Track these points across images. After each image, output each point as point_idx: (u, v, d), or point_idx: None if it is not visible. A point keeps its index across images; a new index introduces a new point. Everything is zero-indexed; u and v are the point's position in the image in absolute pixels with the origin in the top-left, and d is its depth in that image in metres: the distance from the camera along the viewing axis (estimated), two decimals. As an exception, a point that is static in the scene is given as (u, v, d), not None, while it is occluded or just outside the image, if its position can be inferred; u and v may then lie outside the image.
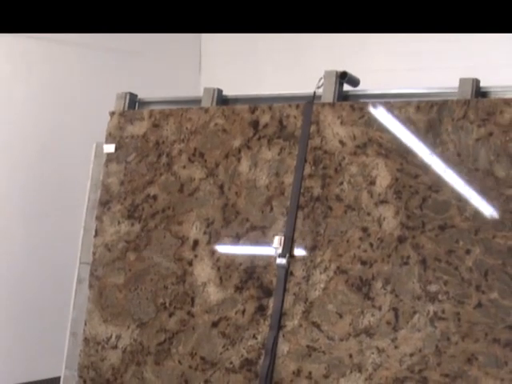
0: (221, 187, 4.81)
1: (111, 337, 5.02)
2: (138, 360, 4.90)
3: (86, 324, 5.12)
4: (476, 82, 4.23)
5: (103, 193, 5.21)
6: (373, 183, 4.33)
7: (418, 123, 4.28)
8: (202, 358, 4.68)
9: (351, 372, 4.22)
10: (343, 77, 4.58)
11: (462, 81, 4.25)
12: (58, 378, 5.42)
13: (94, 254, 5.19)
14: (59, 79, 6.15)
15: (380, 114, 4.40)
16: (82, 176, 5.53)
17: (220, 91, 5.04)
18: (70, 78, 6.22)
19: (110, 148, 5.25)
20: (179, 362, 4.75)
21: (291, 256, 4.49)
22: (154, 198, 5.01)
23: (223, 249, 4.73)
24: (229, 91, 5.04)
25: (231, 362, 4.59)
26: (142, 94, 5.36)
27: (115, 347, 5.00)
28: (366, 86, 4.69)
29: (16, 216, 6.05)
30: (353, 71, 4.67)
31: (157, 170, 5.05)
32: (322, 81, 4.63)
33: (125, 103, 5.30)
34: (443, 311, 4.03)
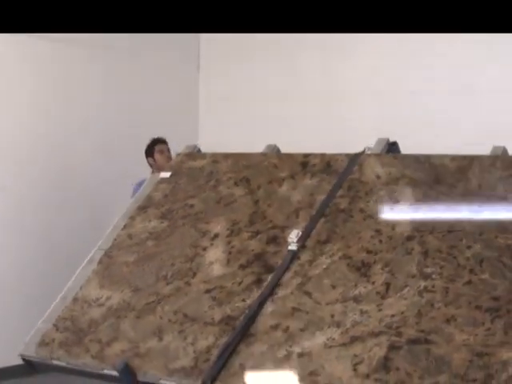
0: (256, 201, 4.98)
1: (101, 297, 4.83)
2: (119, 315, 4.67)
3: (81, 288, 4.96)
4: (505, 149, 4.60)
5: (145, 201, 5.35)
6: (396, 202, 4.53)
7: (450, 167, 4.59)
8: (185, 315, 4.48)
9: (329, 327, 4.05)
10: (392, 145, 4.96)
11: (495, 148, 4.63)
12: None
13: (114, 240, 5.18)
14: (66, 77, 6.24)
15: (419, 160, 4.73)
16: (87, 171, 5.54)
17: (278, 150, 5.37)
18: (75, 76, 6.31)
19: (166, 174, 5.50)
20: (160, 317, 4.54)
21: (303, 246, 4.53)
22: (191, 206, 5.15)
23: (240, 239, 4.77)
24: (226, 89, 5.22)
25: (212, 318, 4.39)
26: (143, 91, 5.57)
27: (102, 305, 4.79)
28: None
29: (34, 212, 5.94)
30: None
31: (201, 189, 5.25)
32: (372, 146, 5.00)
33: (193, 150, 5.65)
34: (433, 286, 4.00)
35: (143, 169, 5.88)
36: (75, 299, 4.91)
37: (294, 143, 5.32)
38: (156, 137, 6.03)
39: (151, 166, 6.08)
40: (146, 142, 6.35)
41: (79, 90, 6.29)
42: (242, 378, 4.02)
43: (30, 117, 6.01)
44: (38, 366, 4.82)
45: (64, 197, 6.14)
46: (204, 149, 6.16)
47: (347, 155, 4.98)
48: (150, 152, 5.97)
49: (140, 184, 5.94)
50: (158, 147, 5.96)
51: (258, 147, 6.60)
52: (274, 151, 5.37)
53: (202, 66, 7.11)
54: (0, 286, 5.61)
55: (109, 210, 6.06)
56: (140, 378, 4.33)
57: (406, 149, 4.91)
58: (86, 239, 5.53)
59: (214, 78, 5.68)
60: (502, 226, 4.14)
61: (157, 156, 5.95)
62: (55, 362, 4.68)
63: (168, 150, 6.03)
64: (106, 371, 4.45)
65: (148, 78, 6.64)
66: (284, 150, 6.45)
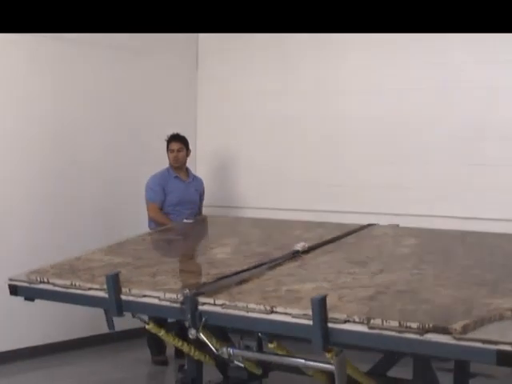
0: (269, 236, 5.03)
1: (102, 260, 4.71)
2: (118, 267, 4.49)
3: (84, 254, 4.84)
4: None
5: (164, 227, 5.42)
6: (400, 242, 4.60)
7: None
8: (182, 270, 4.45)
9: (320, 282, 3.94)
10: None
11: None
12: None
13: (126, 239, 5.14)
14: (73, 75, 6.05)
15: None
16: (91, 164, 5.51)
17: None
18: (81, 74, 6.12)
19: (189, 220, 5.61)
20: (157, 269, 4.38)
21: (307, 251, 4.49)
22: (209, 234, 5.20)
23: (248, 246, 4.74)
24: (223, 86, 5.13)
25: (208, 273, 4.26)
26: (146, 88, 5.78)
27: (101, 261, 4.67)
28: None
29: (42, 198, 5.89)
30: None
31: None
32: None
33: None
34: (425, 271, 3.98)
35: (145, 159, 5.99)
36: (77, 258, 4.80)
37: (288, 137, 5.27)
38: (174, 133, 5.96)
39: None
40: (147, 134, 6.47)
41: (86, 87, 6.21)
42: (226, 291, 3.86)
43: (41, 111, 5.98)
44: (23, 290, 4.56)
45: (72, 187, 6.06)
46: (201, 142, 6.20)
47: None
48: (167, 147, 5.96)
49: (153, 178, 5.94)
50: (170, 145, 5.91)
51: (253, 141, 6.64)
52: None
53: (200, 65, 6.96)
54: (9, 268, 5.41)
55: (116, 200, 6.07)
56: (123, 295, 4.13)
57: (393, 137, 4.87)
58: (95, 230, 5.48)
59: (211, 76, 5.61)
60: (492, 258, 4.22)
61: (168, 153, 5.92)
62: (42, 287, 4.47)
63: (179, 149, 5.92)
64: (92, 291, 4.25)
65: (150, 76, 6.57)
66: (279, 143, 6.42)
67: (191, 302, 3.84)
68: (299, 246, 4.56)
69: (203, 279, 4.14)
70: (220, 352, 4.09)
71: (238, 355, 4.12)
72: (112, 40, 6.04)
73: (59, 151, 6.01)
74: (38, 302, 4.62)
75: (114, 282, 4.14)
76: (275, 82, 6.45)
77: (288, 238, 4.89)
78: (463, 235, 4.73)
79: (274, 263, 4.30)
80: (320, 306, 3.47)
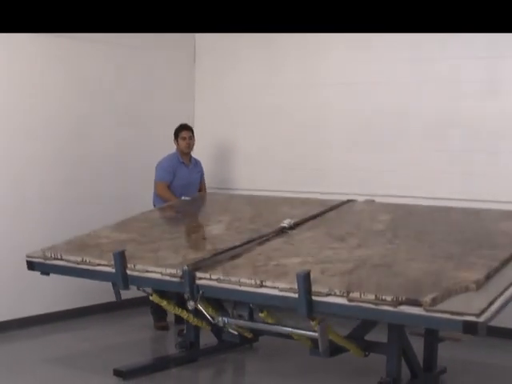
0: (257, 209, 4.98)
1: (109, 236, 4.65)
2: (124, 244, 4.43)
3: (94, 231, 4.78)
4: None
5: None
6: (375, 217, 4.54)
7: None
8: (181, 245, 4.32)
9: (304, 256, 3.89)
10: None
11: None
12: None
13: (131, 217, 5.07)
14: (83, 71, 5.97)
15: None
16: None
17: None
18: (91, 70, 6.03)
19: (186, 198, 5.53)
20: (159, 246, 4.34)
21: (293, 227, 4.43)
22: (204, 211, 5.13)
23: (239, 222, 4.68)
24: (218, 80, 5.09)
25: (204, 247, 4.22)
26: (148, 81, 5.69)
27: (109, 238, 4.60)
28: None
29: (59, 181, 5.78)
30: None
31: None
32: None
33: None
34: (398, 245, 3.93)
35: (148, 148, 5.87)
36: (87, 234, 4.73)
37: (275, 126, 5.18)
38: (183, 123, 5.93)
39: (176, 145, 5.96)
40: (150, 124, 6.38)
41: (94, 82, 6.10)
42: (220, 267, 3.81)
43: (54, 104, 5.83)
44: (39, 266, 4.51)
45: (85, 174, 5.97)
46: (198, 131, 6.05)
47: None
48: (176, 135, 5.86)
49: (166, 160, 5.80)
50: (182, 133, 5.84)
51: (244, 129, 6.56)
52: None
53: (197, 61, 6.91)
54: (26, 246, 5.32)
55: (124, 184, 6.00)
56: (129, 271, 4.08)
57: (369, 125, 4.83)
58: (108, 209, 5.43)
59: (207, 71, 5.52)
60: (462, 227, 4.18)
61: (180, 141, 5.85)
62: (56, 263, 4.42)
63: (190, 137, 5.91)
64: (100, 267, 4.19)
65: (152, 71, 6.49)
66: (268, 131, 6.36)
67: (189, 277, 3.80)
68: (286, 223, 4.52)
69: (200, 254, 4.08)
70: (215, 321, 4.07)
71: (232, 323, 4.10)
72: (118, 38, 5.99)
73: (72, 142, 5.92)
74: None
75: (121, 259, 4.09)
76: (264, 76, 6.43)
77: (276, 214, 4.80)
78: (431, 211, 4.67)
79: (264, 239, 4.27)
80: (304, 280, 3.42)
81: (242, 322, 4.07)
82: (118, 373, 4.30)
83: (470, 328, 3.07)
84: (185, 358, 4.66)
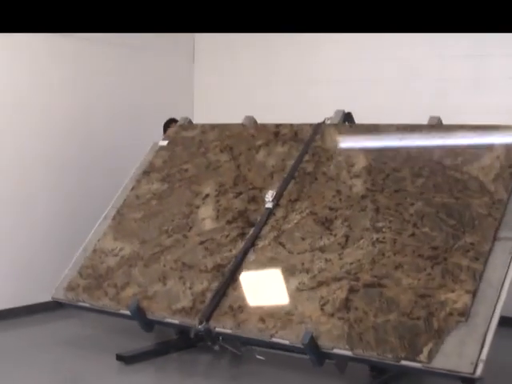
0: (238, 166, 4.81)
1: (116, 248, 4.70)
2: (131, 263, 4.55)
3: (98, 241, 4.82)
4: (439, 119, 4.43)
5: (147, 167, 5.15)
6: (352, 166, 4.37)
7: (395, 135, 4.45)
8: (184, 263, 4.36)
9: (300, 273, 3.95)
10: (347, 116, 4.79)
11: (431, 118, 4.46)
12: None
13: (124, 200, 5.03)
14: (86, 69, 5.92)
15: (369, 129, 4.56)
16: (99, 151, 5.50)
17: (255, 121, 5.18)
18: (93, 68, 5.97)
19: (164, 143, 5.30)
20: (164, 265, 4.42)
21: (277, 204, 4.39)
22: (186, 170, 4.98)
23: (226, 199, 4.63)
24: (216, 78, 5.14)
25: (205, 266, 4.28)
26: (147, 78, 5.55)
27: (116, 255, 4.66)
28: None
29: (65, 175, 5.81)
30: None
31: (193, 155, 5.06)
32: (332, 116, 4.83)
33: (185, 122, 5.45)
34: (384, 238, 3.88)
35: (148, 145, 5.66)
36: (94, 250, 4.76)
37: (270, 121, 5.09)
38: (172, 117, 5.83)
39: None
40: (150, 121, 6.22)
41: (97, 80, 6.01)
42: (231, 317, 3.94)
43: (60, 96, 5.76)
44: (67, 306, 4.71)
45: (87, 158, 5.96)
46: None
47: (311, 125, 4.81)
48: (165, 129, 5.74)
49: None
50: (171, 126, 5.73)
51: None
52: (251, 122, 5.17)
53: (196, 60, 6.89)
54: (33, 235, 5.47)
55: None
56: (149, 316, 4.25)
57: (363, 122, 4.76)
58: (106, 196, 5.42)
59: (206, 69, 5.47)
60: (438, 187, 4.01)
61: None
62: (80, 304, 4.58)
63: None
64: (121, 311, 4.36)
65: (153, 69, 6.39)
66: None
67: (207, 331, 3.94)
68: (269, 197, 4.42)
69: (205, 284, 4.14)
70: (240, 352, 4.25)
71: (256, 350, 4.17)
72: (118, 38, 5.93)
73: (73, 140, 5.85)
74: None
75: (138, 311, 4.23)
76: (260, 74, 6.33)
77: (257, 171, 4.67)
78: (406, 158, 4.23)
79: (255, 234, 4.25)
80: (310, 342, 3.56)
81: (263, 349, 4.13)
82: (120, 358, 4.43)
83: (467, 381, 3.24)
84: (185, 343, 4.67)
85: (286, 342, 3.69)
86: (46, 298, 5.05)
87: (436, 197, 3.95)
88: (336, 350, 3.54)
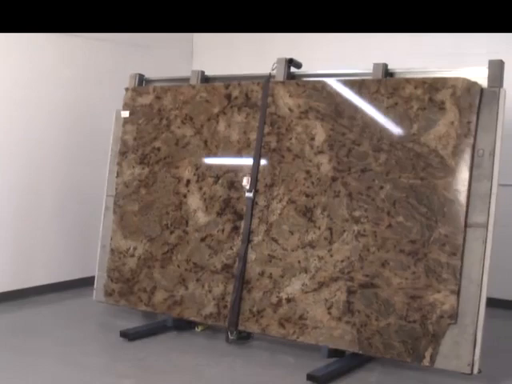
0: (205, 142, 4.57)
1: (130, 248, 4.80)
2: (148, 265, 4.70)
3: (111, 239, 4.91)
4: (385, 66, 4.00)
5: (122, 146, 4.94)
6: (313, 139, 4.11)
7: (344, 96, 4.06)
8: (194, 263, 4.49)
9: (300, 273, 4.07)
10: (290, 62, 4.32)
11: (375, 65, 4.02)
12: (89, 278, 5.34)
13: (116, 189, 4.94)
14: (91, 65, 5.76)
15: (317, 88, 4.17)
16: (105, 133, 5.28)
17: (203, 72, 4.76)
18: (96, 65, 5.80)
19: (125, 114, 4.95)
20: (178, 266, 4.56)
21: (256, 191, 4.29)
22: (158, 149, 4.75)
23: (207, 185, 4.52)
24: (213, 72, 4.76)
25: (215, 266, 4.41)
26: (149, 75, 5.07)
27: (133, 255, 4.78)
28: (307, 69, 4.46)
29: (59, 160, 5.68)
30: (299, 59, 4.43)
31: (159, 130, 4.77)
32: (276, 65, 4.36)
33: (135, 81, 4.99)
34: (364, 230, 3.86)
35: None
36: (112, 250, 4.86)
37: None
38: None
39: None
40: None
41: (100, 76, 5.85)
42: (254, 322, 4.17)
43: (62, 91, 5.62)
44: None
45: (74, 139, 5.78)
46: None
47: (258, 84, 4.35)
48: None
49: None
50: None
51: None
52: (198, 77, 4.68)
53: (194, 59, 6.81)
54: (38, 216, 5.56)
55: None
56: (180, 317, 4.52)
57: None
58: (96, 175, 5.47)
59: (204, 68, 4.79)
60: (402, 165, 3.77)
61: None
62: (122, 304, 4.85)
63: None
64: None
65: (153, 67, 5.74)
66: None
67: (237, 336, 4.24)
68: (246, 184, 4.26)
69: (221, 287, 4.28)
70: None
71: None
72: (117, 37, 5.83)
73: (77, 135, 5.77)
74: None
75: (171, 320, 4.51)
76: (255, 67, 5.18)
77: (224, 150, 4.39)
78: (363, 121, 3.88)
79: (248, 230, 4.21)
80: (330, 354, 3.83)
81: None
82: (123, 334, 4.53)
83: (465, 375, 3.52)
84: (184, 322, 4.70)
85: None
86: (51, 280, 5.50)
87: (402, 177, 3.77)
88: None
